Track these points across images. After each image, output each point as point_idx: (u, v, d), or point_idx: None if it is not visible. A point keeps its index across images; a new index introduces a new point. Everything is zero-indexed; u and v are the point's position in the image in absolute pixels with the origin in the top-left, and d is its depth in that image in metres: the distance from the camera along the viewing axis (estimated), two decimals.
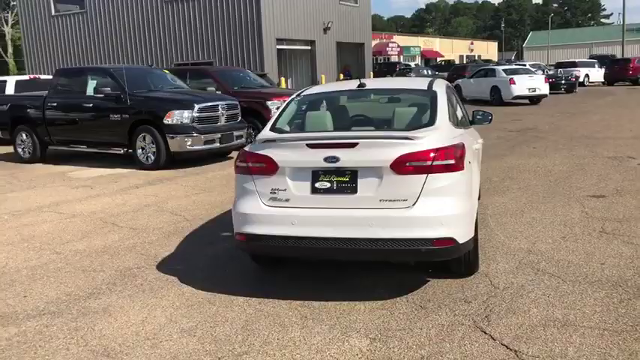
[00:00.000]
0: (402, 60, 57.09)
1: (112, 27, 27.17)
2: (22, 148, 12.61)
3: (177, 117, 10.53)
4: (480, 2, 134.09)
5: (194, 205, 7.66)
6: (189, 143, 10.46)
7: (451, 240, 4.04)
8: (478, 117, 6.42)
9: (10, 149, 13.16)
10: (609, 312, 3.97)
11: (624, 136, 13.12)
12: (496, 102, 23.41)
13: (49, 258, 5.68)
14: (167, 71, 13.18)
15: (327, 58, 28.92)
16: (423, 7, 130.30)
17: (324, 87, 5.68)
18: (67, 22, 28.36)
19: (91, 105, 11.37)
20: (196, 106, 10.66)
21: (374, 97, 5.31)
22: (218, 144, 10.92)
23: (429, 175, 4.01)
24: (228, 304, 4.38)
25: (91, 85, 11.54)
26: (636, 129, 14.29)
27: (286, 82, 27.40)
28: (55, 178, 10.49)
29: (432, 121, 4.45)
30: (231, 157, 11.77)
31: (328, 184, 4.13)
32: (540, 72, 29.51)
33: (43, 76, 18.32)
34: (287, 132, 4.71)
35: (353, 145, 4.06)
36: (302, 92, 5.33)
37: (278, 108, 12.03)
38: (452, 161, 4.07)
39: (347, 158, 4.06)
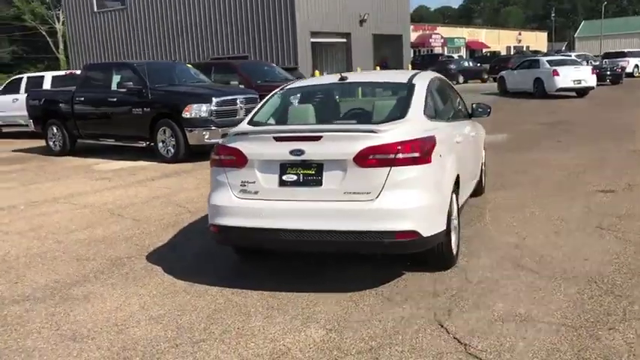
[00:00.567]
0: (445, 52, 56.28)
1: (151, 22, 27.78)
2: (53, 142, 13.08)
3: (196, 111, 10.74)
4: None
5: (202, 197, 7.82)
6: (206, 136, 10.65)
7: (414, 233, 4.04)
8: (479, 110, 6.38)
9: (43, 142, 13.66)
10: (574, 308, 3.89)
11: None
12: (539, 94, 22.51)
13: (49, 247, 5.93)
14: (190, 66, 13.43)
15: (363, 51, 28.80)
16: None
17: (307, 81, 5.72)
18: (108, 19, 29.17)
19: (114, 99, 11.71)
20: (214, 100, 10.85)
21: (354, 90, 5.31)
22: None
23: (392, 168, 4.02)
24: (202, 293, 4.50)
25: (115, 79, 11.89)
26: None
27: (321, 75, 27.45)
28: (79, 171, 10.87)
29: (403, 114, 4.45)
30: None
31: (295, 177, 4.18)
32: (585, 63, 28.58)
33: (78, 72, 18.91)
34: (264, 125, 4.78)
35: (317, 139, 4.10)
36: (286, 86, 5.39)
37: None
38: (416, 154, 4.06)
39: (312, 151, 4.10)
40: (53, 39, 60.83)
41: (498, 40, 68.30)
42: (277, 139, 4.19)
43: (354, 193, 4.06)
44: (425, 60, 46.29)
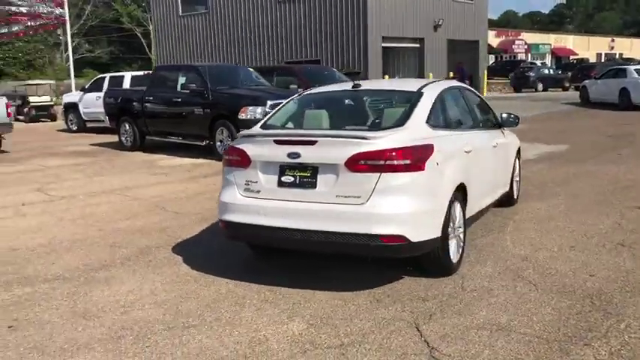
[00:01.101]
0: (529, 58, 54.58)
1: (231, 26, 28.80)
2: (125, 137, 13.97)
3: (251, 112, 11.18)
4: None
5: None
6: None
7: (401, 238, 4.17)
8: (509, 120, 6.42)
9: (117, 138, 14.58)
10: (557, 322, 3.90)
11: None
12: (623, 106, 20.70)
13: (91, 234, 6.47)
14: (252, 69, 13.94)
15: (437, 56, 28.54)
16: (564, 1, 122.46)
17: (324, 88, 5.93)
18: (192, 22, 30.49)
19: (179, 99, 12.38)
20: (268, 103, 11.24)
21: (366, 97, 5.47)
22: None
23: (382, 173, 4.17)
24: (209, 283, 4.82)
25: (181, 81, 12.56)
26: None
27: None
28: (142, 166, 11.59)
29: (403, 122, 4.58)
30: None
31: (292, 179, 4.42)
32: None
33: None
34: (276, 128, 5.05)
35: (313, 143, 4.32)
36: (304, 92, 5.64)
37: None
38: (407, 161, 4.19)
39: (307, 155, 4.33)
40: (147, 40, 63.98)
41: (588, 47, 65.31)
42: (277, 142, 4.45)
43: (345, 196, 4.24)
44: (505, 66, 45.14)
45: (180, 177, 10.08)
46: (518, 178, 7.35)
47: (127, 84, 17.72)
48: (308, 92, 5.63)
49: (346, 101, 5.51)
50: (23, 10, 23.42)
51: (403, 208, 4.19)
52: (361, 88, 5.33)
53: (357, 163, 4.19)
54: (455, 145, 4.90)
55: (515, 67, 41.27)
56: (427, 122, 4.71)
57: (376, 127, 4.67)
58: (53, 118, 24.20)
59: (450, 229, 4.70)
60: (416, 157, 4.24)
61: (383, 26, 25.16)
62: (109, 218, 7.17)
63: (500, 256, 5.29)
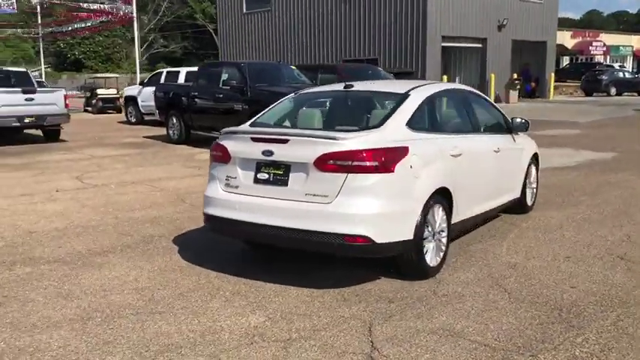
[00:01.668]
0: (608, 60, 52.14)
1: (292, 24, 29.17)
2: (172, 131, 14.50)
3: None
4: None
5: None
6: None
7: (365, 238, 4.20)
8: (519, 125, 6.32)
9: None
10: (514, 331, 3.83)
11: None
12: None
13: (105, 221, 6.81)
14: (294, 67, 14.12)
15: (500, 57, 27.81)
16: None
17: (320, 88, 5.99)
18: (255, 20, 31.09)
19: (221, 95, 12.74)
20: None
21: (356, 98, 5.49)
22: None
23: (349, 174, 4.22)
24: (192, 274, 5.01)
25: (224, 77, 12.91)
26: None
27: (449, 81, 27.00)
28: (181, 158, 12.01)
29: (381, 123, 4.60)
30: None
31: (267, 176, 4.54)
32: None
33: None
34: (265, 126, 5.17)
35: (285, 141, 4.42)
36: (298, 92, 5.74)
37: None
38: (375, 163, 4.22)
39: (280, 153, 4.43)
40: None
41: None
42: (253, 139, 4.58)
43: (314, 195, 4.32)
44: (579, 69, 43.37)
45: None
46: (534, 185, 7.16)
47: (182, 79, 18.33)
48: (303, 92, 5.72)
49: (339, 101, 5.56)
50: (93, 7, 24.60)
51: (368, 209, 4.22)
52: (353, 89, 5.37)
53: (326, 163, 4.25)
54: (438, 149, 4.86)
55: (588, 70, 39.58)
56: (408, 124, 4.70)
57: (355, 127, 4.70)
58: (118, 110, 25.33)
59: (427, 233, 4.69)
60: (385, 159, 4.26)
61: (443, 25, 24.79)
62: (128, 207, 7.52)
63: (488, 263, 5.21)
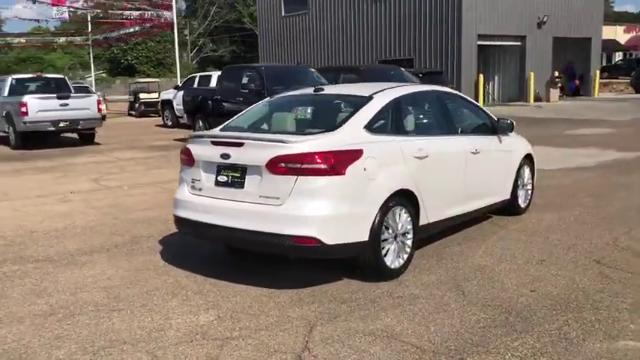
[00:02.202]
0: None
1: (329, 26, 29.30)
2: None
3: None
4: None
5: None
6: None
7: (314, 239, 4.28)
8: (503, 126, 6.26)
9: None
10: (452, 334, 3.83)
11: None
12: None
13: (104, 221, 7.10)
14: (314, 69, 14.23)
15: (540, 55, 27.10)
16: None
17: (293, 92, 6.07)
18: (293, 22, 31.38)
19: (241, 99, 12.96)
20: None
21: (324, 101, 5.54)
22: None
23: (300, 176, 4.30)
24: (164, 273, 5.18)
25: (244, 81, 13.15)
26: None
27: (485, 80, 26.56)
28: None
29: (337, 126, 4.67)
30: None
31: (226, 178, 4.67)
32: None
33: None
34: (237, 130, 5.29)
35: (240, 145, 4.54)
36: (275, 95, 5.85)
37: None
38: (324, 166, 4.29)
39: (236, 156, 4.55)
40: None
41: None
42: (213, 143, 4.73)
43: (267, 197, 4.42)
44: (631, 64, 41.75)
45: None
46: (529, 187, 7.04)
47: (213, 83, 18.72)
48: (278, 96, 5.83)
49: (307, 105, 5.63)
50: (135, 14, 25.42)
51: (317, 211, 4.29)
52: (322, 92, 5.44)
53: (277, 166, 4.34)
54: (399, 151, 4.87)
55: (637, 66, 38.06)
56: (366, 127, 4.74)
57: (313, 130, 4.78)
58: (159, 114, 26.05)
59: (387, 235, 4.72)
60: (335, 162, 4.32)
61: (479, 23, 24.38)
62: (132, 208, 7.80)
63: (457, 266, 5.18)
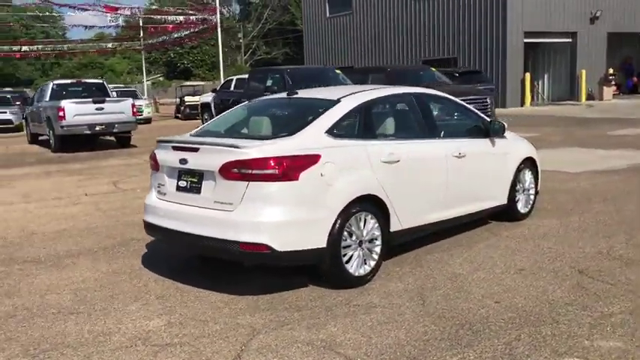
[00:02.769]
0: None
1: (372, 26, 29.10)
2: None
3: None
4: None
5: None
6: None
7: (264, 246, 4.21)
8: (494, 128, 6.03)
9: None
10: (392, 346, 3.68)
11: None
12: None
13: (102, 224, 7.26)
14: (339, 71, 14.13)
15: (594, 52, 26.01)
16: None
17: (270, 96, 6.00)
18: (338, 23, 31.35)
19: None
20: None
21: (296, 105, 5.44)
22: None
23: (251, 182, 4.24)
24: (137, 277, 5.23)
25: (268, 83, 13.22)
26: None
27: (534, 79, 25.72)
28: None
29: (296, 131, 4.58)
30: None
31: (185, 183, 4.67)
32: None
33: None
34: (209, 135, 5.28)
35: (196, 150, 4.52)
36: (253, 99, 5.81)
37: None
38: (275, 171, 4.21)
39: (193, 161, 4.55)
40: None
41: None
42: (174, 148, 4.73)
43: (221, 202, 4.39)
44: None
45: None
46: (531, 192, 6.72)
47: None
48: (256, 100, 5.79)
49: (279, 109, 5.56)
50: (180, 19, 26.02)
51: (268, 217, 4.23)
52: (295, 96, 5.36)
53: (229, 171, 4.31)
54: (364, 156, 4.73)
55: None
56: (328, 132, 4.63)
57: (272, 135, 4.71)
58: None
59: (349, 241, 4.60)
60: (286, 167, 4.23)
61: (525, 20, 23.64)
62: (129, 212, 7.89)
63: (430, 274, 5.00)
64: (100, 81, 17.73)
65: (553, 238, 5.89)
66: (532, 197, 6.74)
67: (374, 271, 4.83)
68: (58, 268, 5.57)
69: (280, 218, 4.24)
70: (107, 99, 15.76)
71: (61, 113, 14.77)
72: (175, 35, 29.13)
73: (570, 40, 25.72)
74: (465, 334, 3.83)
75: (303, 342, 3.79)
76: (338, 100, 4.94)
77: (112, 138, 16.82)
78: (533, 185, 6.73)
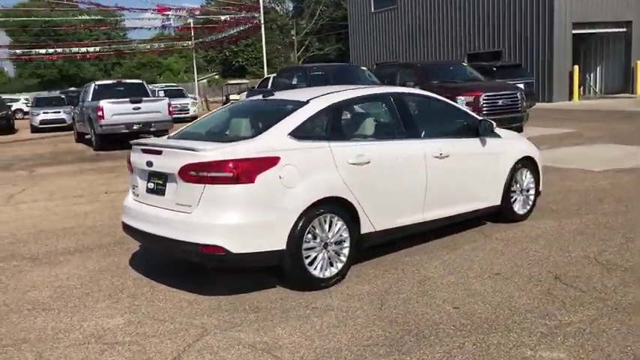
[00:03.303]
0: None
1: (417, 21, 28.70)
2: None
3: None
4: None
5: None
6: None
7: (220, 248, 4.26)
8: (484, 127, 5.89)
9: None
10: (330, 351, 3.67)
11: None
12: None
13: (106, 223, 7.48)
14: (365, 68, 14.02)
15: None
16: None
17: (250, 97, 6.02)
18: (382, 18, 31.09)
19: None
20: None
21: (270, 106, 5.43)
22: None
23: (207, 185, 4.30)
24: (118, 275, 5.37)
25: (293, 82, 13.28)
26: None
27: (586, 71, 24.74)
28: None
29: (257, 133, 4.61)
30: None
31: (153, 185, 4.77)
32: None
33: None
34: (192, 136, 5.35)
35: (159, 153, 4.61)
36: (238, 101, 5.86)
37: (468, 103, 11.90)
38: (231, 174, 4.25)
39: (157, 164, 4.64)
40: None
41: None
42: (142, 150, 4.83)
43: (182, 204, 4.46)
44: None
45: None
46: (531, 192, 6.49)
47: (269, 85, 19.07)
48: (241, 101, 5.84)
49: (253, 111, 5.56)
50: (227, 18, 26.47)
51: (223, 220, 4.27)
52: (270, 97, 5.37)
53: (187, 174, 4.37)
54: (329, 157, 4.69)
55: None
56: (292, 133, 4.62)
57: (237, 137, 4.74)
58: None
59: (314, 243, 4.59)
60: (242, 170, 4.26)
61: (573, 10, 22.76)
62: None
63: (401, 277, 4.92)
64: (140, 81, 18.26)
65: (543, 241, 5.68)
66: (532, 198, 6.51)
67: (342, 272, 4.80)
68: (50, 265, 5.79)
69: (235, 220, 4.28)
70: (144, 99, 16.22)
71: (100, 113, 15.32)
72: (223, 34, 29.67)
73: (625, 29, 24.56)
74: (409, 340, 3.76)
75: (246, 344, 3.82)
76: (307, 102, 4.92)
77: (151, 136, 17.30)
78: (532, 185, 6.49)
